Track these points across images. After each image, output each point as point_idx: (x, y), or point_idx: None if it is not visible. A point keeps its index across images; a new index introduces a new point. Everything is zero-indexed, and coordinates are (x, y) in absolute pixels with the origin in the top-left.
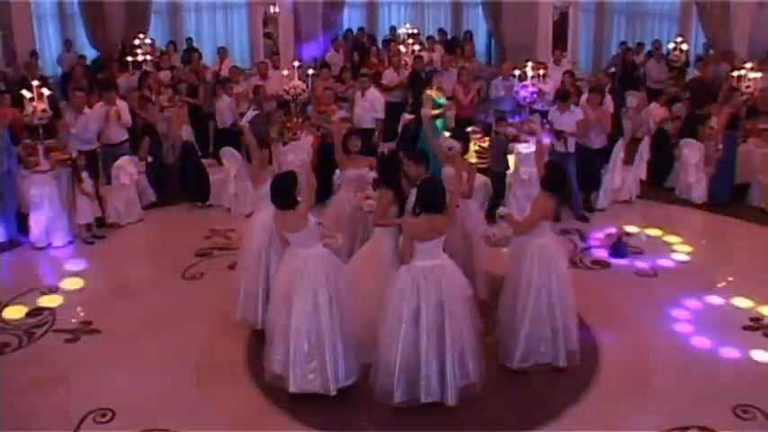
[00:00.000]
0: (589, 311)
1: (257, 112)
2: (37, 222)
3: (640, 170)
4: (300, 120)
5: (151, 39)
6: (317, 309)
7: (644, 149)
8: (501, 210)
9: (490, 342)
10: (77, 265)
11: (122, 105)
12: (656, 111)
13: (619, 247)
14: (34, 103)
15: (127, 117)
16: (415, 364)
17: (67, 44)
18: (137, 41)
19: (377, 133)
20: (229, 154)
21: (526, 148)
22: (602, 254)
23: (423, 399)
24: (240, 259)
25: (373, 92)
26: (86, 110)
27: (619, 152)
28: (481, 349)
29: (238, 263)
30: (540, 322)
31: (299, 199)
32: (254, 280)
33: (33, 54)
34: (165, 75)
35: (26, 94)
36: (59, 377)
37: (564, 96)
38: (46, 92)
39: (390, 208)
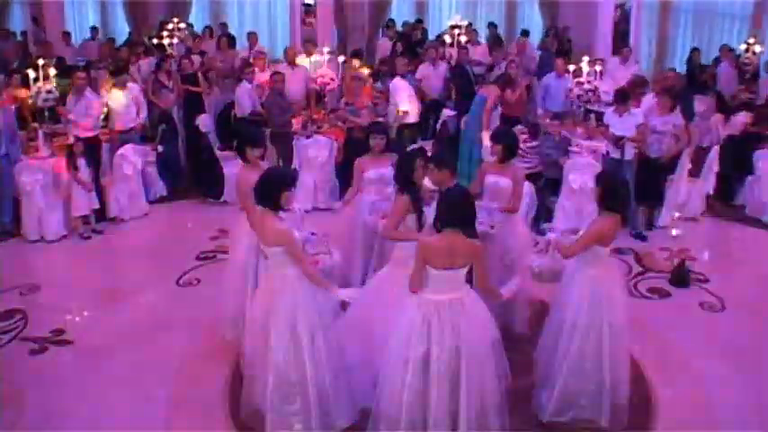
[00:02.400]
0: (644, 352)
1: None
2: (29, 213)
3: (708, 183)
4: (327, 112)
5: (188, 24)
6: (297, 341)
7: (712, 160)
8: (549, 235)
9: (524, 385)
10: (67, 262)
11: (135, 90)
12: (739, 119)
13: (681, 273)
14: (39, 84)
15: (136, 103)
16: (420, 420)
17: (94, 30)
18: (170, 26)
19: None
20: None
21: (576, 154)
22: (660, 280)
23: None
24: (225, 274)
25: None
26: (88, 92)
27: (685, 163)
28: (506, 403)
29: (223, 278)
30: (581, 373)
31: (290, 207)
32: (240, 299)
33: (66, 35)
34: (195, 61)
35: (31, 73)
36: (13, 396)
37: (623, 97)
38: (53, 72)
39: (407, 216)
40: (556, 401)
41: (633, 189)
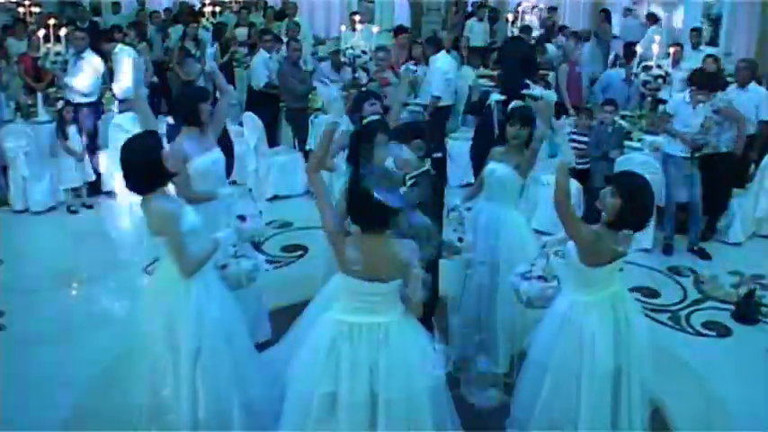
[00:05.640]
0: (680, 407)
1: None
2: (14, 181)
3: None
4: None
5: None
6: (177, 354)
7: None
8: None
9: None
10: (44, 237)
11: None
12: None
13: (748, 305)
14: (49, 45)
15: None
16: None
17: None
18: None
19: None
20: (250, 120)
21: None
22: (722, 313)
23: None
24: None
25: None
26: (87, 54)
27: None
28: None
29: None
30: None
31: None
32: None
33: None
34: (241, 32)
35: (41, 33)
36: None
37: (705, 81)
38: (63, 32)
39: None
40: None
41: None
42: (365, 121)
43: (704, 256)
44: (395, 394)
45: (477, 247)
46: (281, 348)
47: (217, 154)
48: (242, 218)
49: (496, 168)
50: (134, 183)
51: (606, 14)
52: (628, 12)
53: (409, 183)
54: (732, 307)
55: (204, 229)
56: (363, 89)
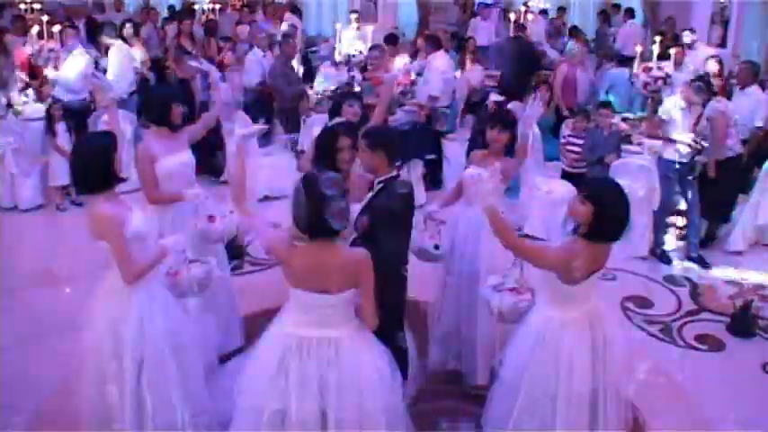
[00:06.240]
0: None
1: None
2: (2, 178)
3: None
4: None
5: None
6: (120, 363)
7: None
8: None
9: None
10: (28, 235)
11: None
12: None
13: (745, 317)
14: (42, 42)
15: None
16: None
17: None
18: None
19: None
20: (240, 119)
21: (636, 154)
22: (717, 325)
23: None
24: None
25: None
26: (79, 49)
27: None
28: None
29: None
30: None
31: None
32: None
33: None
34: (242, 29)
35: (34, 30)
36: None
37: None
38: (57, 28)
39: None
40: None
41: (695, 197)
42: (329, 124)
43: (703, 264)
44: (346, 414)
45: (456, 255)
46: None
47: (186, 156)
48: (211, 218)
49: (475, 173)
50: (81, 182)
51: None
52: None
53: (377, 188)
54: (728, 319)
55: (172, 231)
56: (356, 89)
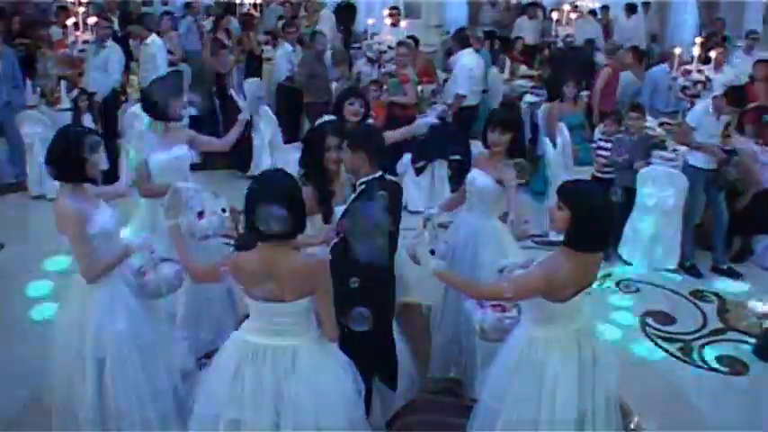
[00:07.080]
0: None
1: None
2: (31, 167)
3: None
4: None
5: None
6: (83, 361)
7: None
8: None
9: None
10: (47, 225)
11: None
12: None
13: None
14: (77, 33)
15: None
16: None
17: None
18: None
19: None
20: (266, 115)
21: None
22: (741, 346)
23: None
24: None
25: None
26: (109, 43)
27: None
28: None
29: None
30: None
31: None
32: None
33: None
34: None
35: (70, 21)
36: None
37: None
38: (92, 20)
39: (312, 216)
40: None
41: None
42: (317, 123)
43: (734, 275)
44: (304, 424)
45: (457, 261)
46: None
47: (180, 151)
48: (200, 214)
49: (477, 177)
50: (49, 166)
51: None
52: None
53: (359, 189)
54: (755, 340)
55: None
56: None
